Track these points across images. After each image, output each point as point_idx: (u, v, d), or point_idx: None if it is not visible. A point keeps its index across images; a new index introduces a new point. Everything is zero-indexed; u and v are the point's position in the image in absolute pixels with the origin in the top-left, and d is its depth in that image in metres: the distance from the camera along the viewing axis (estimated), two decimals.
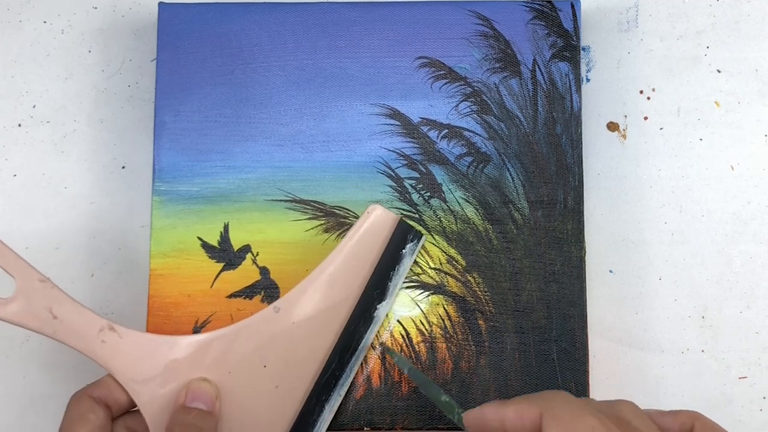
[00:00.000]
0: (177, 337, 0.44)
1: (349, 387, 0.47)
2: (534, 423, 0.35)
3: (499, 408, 0.37)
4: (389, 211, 0.47)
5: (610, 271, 0.51)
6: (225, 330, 0.44)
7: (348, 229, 0.49)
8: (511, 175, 0.50)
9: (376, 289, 0.46)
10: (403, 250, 0.46)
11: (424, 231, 0.49)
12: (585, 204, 0.50)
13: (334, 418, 0.46)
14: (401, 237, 0.46)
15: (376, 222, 0.46)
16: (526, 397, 0.37)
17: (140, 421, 0.43)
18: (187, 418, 0.41)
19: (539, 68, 0.50)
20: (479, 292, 0.49)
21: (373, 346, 0.48)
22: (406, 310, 0.48)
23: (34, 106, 0.53)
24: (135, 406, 0.43)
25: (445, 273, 0.49)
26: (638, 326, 0.51)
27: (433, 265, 0.49)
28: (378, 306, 0.46)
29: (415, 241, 0.47)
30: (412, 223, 0.49)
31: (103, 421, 0.41)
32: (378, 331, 0.48)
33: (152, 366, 0.43)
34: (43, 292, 0.43)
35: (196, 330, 0.48)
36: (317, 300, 0.45)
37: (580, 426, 0.34)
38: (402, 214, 0.49)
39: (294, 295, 0.45)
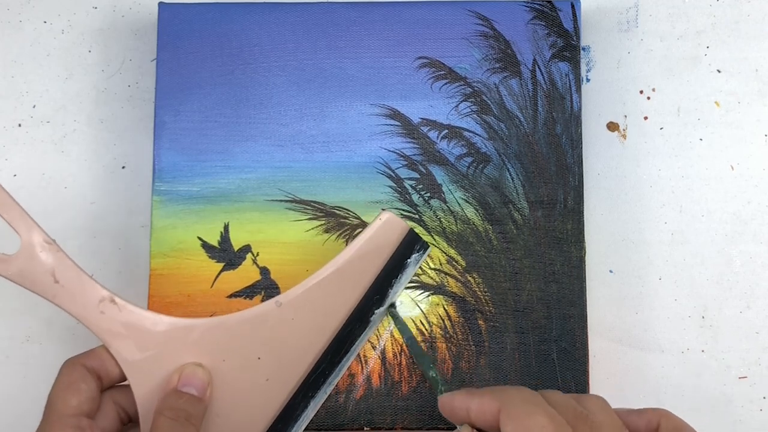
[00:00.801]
0: (176, 319, 0.43)
1: (349, 387, 0.47)
2: (494, 416, 0.37)
3: (467, 398, 0.39)
4: (399, 218, 0.46)
5: (610, 271, 0.51)
6: (225, 318, 0.44)
7: (348, 230, 0.49)
8: (511, 175, 0.50)
9: (376, 294, 0.46)
10: (408, 260, 0.46)
11: (425, 233, 0.49)
12: (585, 204, 0.50)
13: (334, 418, 0.47)
14: (408, 246, 0.46)
15: (385, 227, 0.46)
16: (491, 389, 0.39)
17: (128, 395, 0.43)
18: (177, 403, 0.41)
19: (539, 68, 0.50)
20: (479, 293, 0.49)
21: (373, 346, 0.48)
22: (406, 310, 0.48)
23: (34, 106, 0.53)
24: (125, 379, 0.43)
25: (445, 273, 0.49)
26: (638, 326, 0.51)
27: (433, 266, 0.49)
28: (375, 311, 0.46)
29: (421, 251, 0.47)
30: (414, 226, 0.49)
31: (93, 392, 0.41)
32: (377, 332, 0.48)
33: (148, 343, 0.43)
34: (47, 253, 0.42)
35: None
36: (319, 298, 0.45)
37: (530, 424, 0.36)
38: (402, 214, 0.49)
39: (297, 292, 0.45)
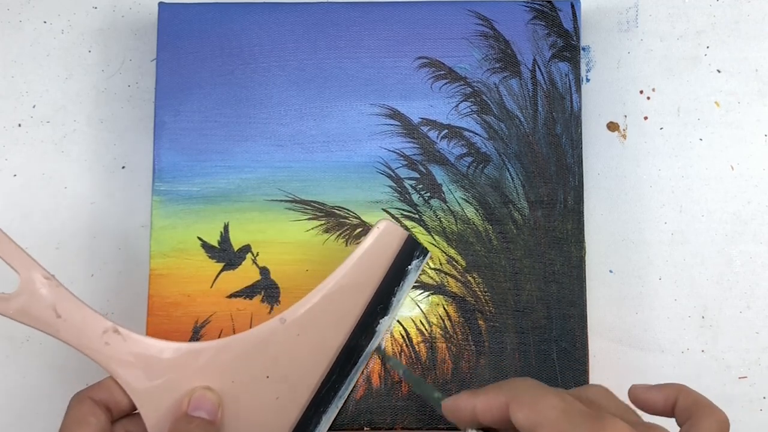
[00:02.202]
0: (182, 344, 0.43)
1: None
2: (501, 409, 0.37)
3: (471, 397, 0.38)
4: (398, 225, 0.46)
5: (610, 271, 0.51)
6: (231, 339, 0.44)
7: (348, 229, 0.49)
8: (511, 175, 0.50)
9: (379, 304, 0.46)
10: (409, 266, 0.46)
11: (425, 233, 0.49)
12: (585, 204, 0.50)
13: (334, 418, 0.46)
14: (408, 253, 0.46)
15: (384, 236, 0.46)
16: (495, 385, 0.38)
17: (140, 424, 0.43)
18: (188, 427, 0.41)
19: (539, 68, 0.50)
20: (479, 292, 0.49)
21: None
22: (406, 310, 0.48)
23: (34, 106, 0.53)
24: (135, 409, 0.43)
25: (445, 273, 0.49)
26: (638, 326, 0.51)
27: (433, 265, 0.49)
28: (380, 321, 0.46)
29: (421, 257, 0.47)
30: (414, 225, 0.49)
31: (103, 424, 0.41)
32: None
33: (155, 371, 0.43)
34: (47, 289, 0.42)
35: (196, 330, 0.48)
36: (323, 312, 0.45)
37: (542, 405, 0.35)
38: (402, 214, 0.49)
39: (300, 308, 0.45)
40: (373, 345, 0.46)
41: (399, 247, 0.46)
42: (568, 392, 0.37)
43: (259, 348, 0.44)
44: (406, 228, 0.49)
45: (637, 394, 0.39)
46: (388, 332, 0.48)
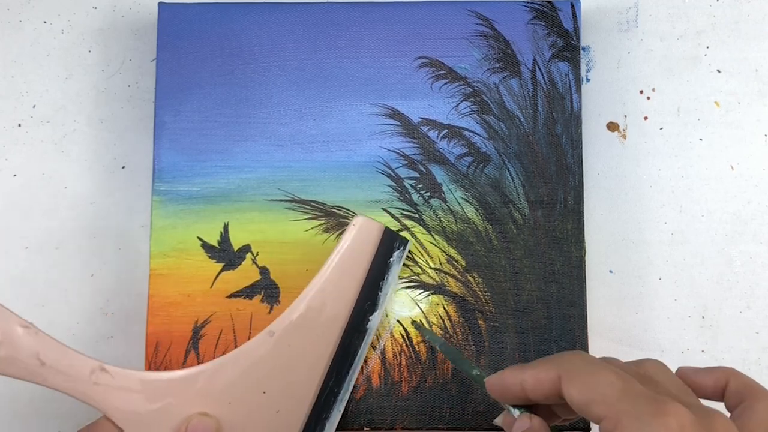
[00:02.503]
0: (171, 372, 0.43)
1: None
2: (553, 383, 0.35)
3: (519, 372, 0.37)
4: (373, 220, 0.46)
5: (610, 271, 0.51)
6: (221, 359, 0.44)
7: (341, 234, 0.49)
8: (511, 175, 0.50)
9: (367, 301, 0.46)
10: (391, 259, 0.46)
11: (425, 232, 0.49)
12: (585, 204, 0.50)
13: None
14: (388, 245, 0.46)
15: (361, 233, 0.46)
16: (544, 359, 0.37)
17: None
18: None
19: (539, 68, 0.50)
20: (479, 292, 0.49)
21: (373, 346, 0.48)
22: (406, 310, 0.48)
23: (34, 106, 0.53)
24: None
25: (445, 273, 0.49)
26: (638, 326, 0.51)
27: (433, 265, 0.49)
28: (370, 318, 0.46)
29: (402, 248, 0.47)
30: (414, 225, 0.49)
31: None
32: (377, 333, 0.48)
33: (148, 403, 0.42)
34: (27, 338, 0.40)
35: (196, 330, 0.48)
36: (310, 319, 0.45)
37: (598, 381, 0.34)
38: (402, 213, 0.49)
39: (287, 318, 0.45)
40: (366, 343, 0.46)
41: (378, 241, 0.46)
42: (623, 366, 0.36)
43: (251, 365, 0.44)
44: (405, 226, 0.49)
45: (685, 377, 0.38)
46: (389, 327, 0.48)
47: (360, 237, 0.46)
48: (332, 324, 0.45)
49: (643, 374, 0.36)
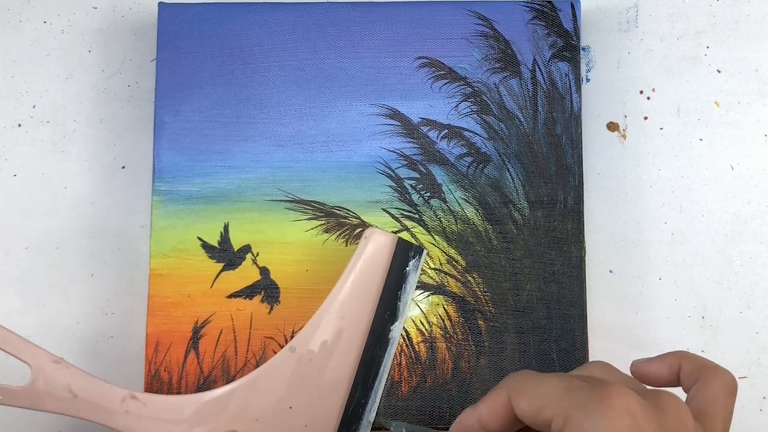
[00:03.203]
0: (200, 395, 0.44)
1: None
2: (506, 406, 0.35)
3: (472, 409, 0.37)
4: (386, 231, 0.46)
5: (610, 271, 0.51)
6: (246, 378, 0.44)
7: (348, 229, 0.49)
8: (511, 175, 0.50)
9: (386, 311, 0.46)
10: (407, 268, 0.46)
11: (424, 233, 0.49)
12: (585, 204, 0.50)
13: None
14: (403, 255, 0.46)
15: (375, 245, 0.46)
16: (492, 389, 0.37)
17: None
18: None
19: (539, 68, 0.50)
20: (479, 292, 0.49)
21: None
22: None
23: (34, 106, 0.53)
24: None
25: (445, 273, 0.49)
26: (638, 326, 0.51)
27: (433, 265, 0.49)
28: (391, 327, 0.46)
29: (417, 256, 0.47)
30: (414, 225, 0.49)
31: None
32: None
33: (179, 427, 0.43)
34: (59, 373, 0.42)
35: (196, 330, 0.48)
36: (330, 333, 0.45)
37: (543, 388, 0.34)
38: (402, 214, 0.49)
39: (307, 333, 0.45)
40: (390, 353, 0.46)
41: (392, 251, 0.46)
42: (569, 373, 0.36)
43: (275, 381, 0.44)
44: (405, 227, 0.49)
45: (639, 368, 0.38)
46: None
47: (373, 248, 0.46)
48: (353, 336, 0.45)
49: (588, 376, 0.36)
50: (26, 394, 0.42)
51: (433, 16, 0.51)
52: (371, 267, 0.46)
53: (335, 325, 0.45)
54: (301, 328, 0.45)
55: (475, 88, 0.50)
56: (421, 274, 0.49)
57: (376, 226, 0.48)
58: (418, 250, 0.47)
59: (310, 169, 0.50)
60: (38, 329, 0.51)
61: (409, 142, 0.50)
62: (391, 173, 0.50)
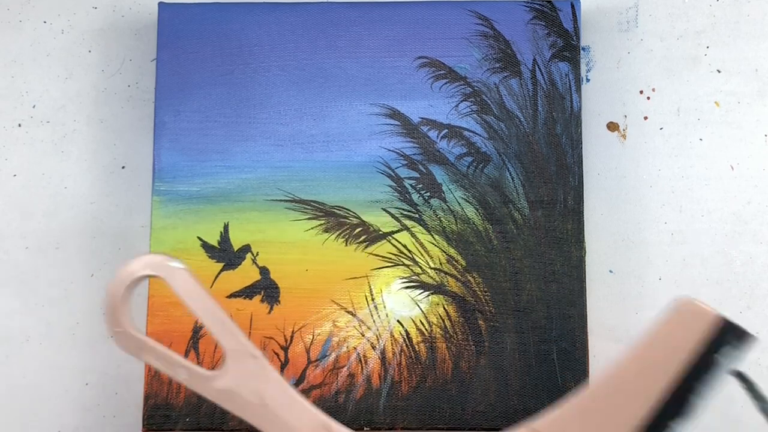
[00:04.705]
0: None
1: (349, 387, 0.47)
2: None
3: None
4: (702, 304, 0.37)
5: (610, 271, 0.51)
6: None
7: (347, 229, 0.49)
8: (511, 175, 0.50)
9: (673, 403, 0.37)
10: (716, 354, 0.37)
11: (424, 232, 0.49)
12: (585, 204, 0.50)
13: (334, 418, 0.46)
14: (718, 340, 0.37)
15: (682, 318, 0.37)
16: None
17: None
18: None
19: (539, 68, 0.50)
20: (479, 292, 0.49)
21: (372, 346, 0.48)
22: (406, 310, 0.48)
23: (34, 106, 0.53)
24: None
25: (445, 273, 0.49)
26: (638, 326, 0.51)
27: (433, 265, 0.49)
28: (671, 424, 0.37)
29: (737, 345, 0.37)
30: (414, 225, 0.49)
31: None
32: (377, 332, 0.48)
33: None
34: (254, 370, 0.36)
35: (196, 330, 0.48)
36: (595, 411, 0.37)
37: None
38: (402, 213, 0.49)
39: (557, 416, 0.38)
40: None
41: (706, 332, 0.37)
42: None
43: None
44: (405, 226, 0.49)
45: None
46: (389, 327, 0.48)
47: (679, 323, 0.37)
48: (622, 421, 0.37)
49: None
50: (213, 385, 0.37)
51: (433, 16, 0.51)
52: (670, 345, 0.37)
53: (603, 403, 0.37)
54: None
55: (475, 88, 0.50)
56: (420, 274, 0.49)
57: (691, 297, 0.38)
58: (744, 334, 0.37)
59: (309, 168, 0.50)
60: (38, 329, 0.51)
61: (409, 141, 0.50)
62: (391, 173, 0.50)
